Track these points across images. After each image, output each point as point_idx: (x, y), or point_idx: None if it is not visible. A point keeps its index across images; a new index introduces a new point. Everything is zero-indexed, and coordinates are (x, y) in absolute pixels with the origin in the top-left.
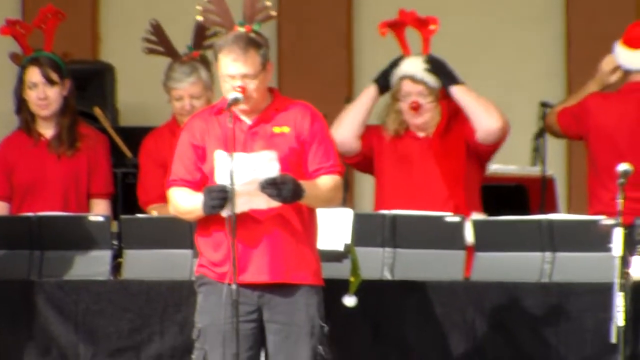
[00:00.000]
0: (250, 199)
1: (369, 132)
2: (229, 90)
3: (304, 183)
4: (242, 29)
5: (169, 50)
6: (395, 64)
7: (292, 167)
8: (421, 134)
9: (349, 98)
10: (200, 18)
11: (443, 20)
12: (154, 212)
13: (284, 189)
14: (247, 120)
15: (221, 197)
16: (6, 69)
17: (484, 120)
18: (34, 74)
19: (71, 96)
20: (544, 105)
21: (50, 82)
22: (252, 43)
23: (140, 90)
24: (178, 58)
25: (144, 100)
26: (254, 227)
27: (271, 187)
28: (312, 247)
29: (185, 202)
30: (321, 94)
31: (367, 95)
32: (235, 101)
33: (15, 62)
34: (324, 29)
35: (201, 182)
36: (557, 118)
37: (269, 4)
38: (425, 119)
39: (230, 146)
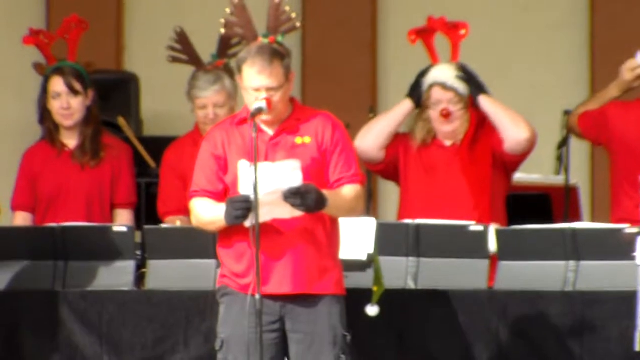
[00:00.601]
0: (273, 209)
1: (396, 140)
2: (253, 102)
3: (326, 192)
4: (265, 40)
5: (193, 59)
6: (423, 75)
7: (314, 177)
8: (448, 143)
9: (373, 107)
10: (223, 30)
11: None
12: (178, 222)
13: (308, 198)
14: (269, 131)
15: (244, 207)
16: (29, 79)
17: (511, 131)
18: (57, 84)
19: (94, 106)
20: (568, 114)
21: (74, 92)
22: (276, 55)
23: (164, 100)
24: (202, 67)
25: (167, 110)
26: (276, 238)
27: (294, 196)
28: (335, 257)
29: (207, 212)
30: (345, 102)
31: (401, 109)
32: (259, 111)
33: (38, 71)
34: (349, 37)
35: (223, 192)
36: (579, 121)
37: (294, 15)
38: (455, 127)
39: (253, 156)
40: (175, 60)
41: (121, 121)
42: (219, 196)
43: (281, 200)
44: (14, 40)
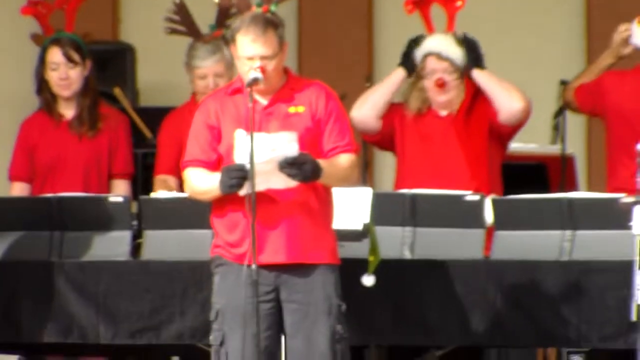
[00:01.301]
0: (267, 179)
1: (391, 111)
2: (247, 71)
3: (321, 162)
4: (259, 10)
5: (192, 30)
6: (415, 43)
7: (308, 146)
8: (444, 113)
9: (369, 77)
10: (215, 0)
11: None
12: (169, 181)
13: (304, 168)
14: (262, 101)
15: (240, 176)
16: (27, 50)
17: (505, 102)
18: (55, 55)
19: (92, 77)
20: (564, 83)
21: (72, 62)
22: (270, 23)
23: (160, 70)
24: (200, 37)
25: (163, 80)
26: (270, 207)
27: (290, 166)
28: (328, 226)
29: (201, 182)
30: (341, 72)
31: (394, 78)
32: (255, 81)
33: (36, 42)
34: (344, 7)
35: (217, 162)
36: (575, 95)
37: None
38: (450, 96)
39: (247, 126)
40: (173, 31)
41: (117, 92)
42: (212, 166)
43: (276, 170)
44: (10, 11)
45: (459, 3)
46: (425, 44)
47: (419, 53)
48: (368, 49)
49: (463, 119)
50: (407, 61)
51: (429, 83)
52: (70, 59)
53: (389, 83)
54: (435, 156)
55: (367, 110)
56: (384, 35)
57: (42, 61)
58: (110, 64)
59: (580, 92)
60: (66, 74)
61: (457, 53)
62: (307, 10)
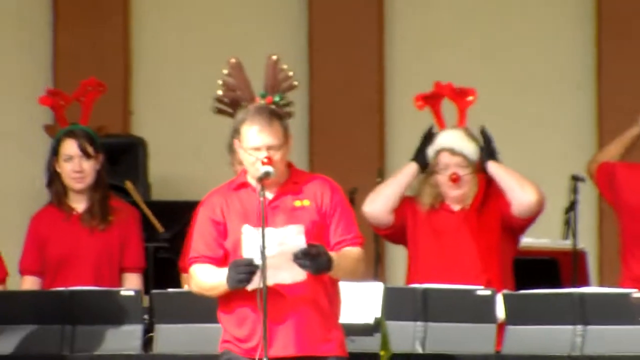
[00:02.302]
0: (275, 273)
1: (404, 204)
2: (253, 162)
3: (332, 254)
4: (262, 101)
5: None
6: (428, 138)
7: (315, 239)
8: (456, 207)
9: (380, 170)
10: (219, 92)
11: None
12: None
13: (318, 260)
14: (268, 194)
15: (248, 271)
16: (37, 140)
17: (518, 194)
18: (70, 147)
19: (103, 170)
20: (575, 178)
21: (87, 155)
22: (275, 114)
23: (172, 164)
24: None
25: (175, 174)
26: (279, 301)
27: (305, 257)
28: (336, 320)
29: (208, 278)
30: (352, 166)
31: (407, 173)
32: (267, 175)
33: (49, 133)
34: (355, 101)
35: (223, 258)
36: (597, 171)
37: (291, 73)
38: (464, 191)
39: (255, 220)
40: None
41: (129, 185)
42: (218, 262)
43: (284, 263)
44: (21, 102)
45: (470, 98)
46: (439, 139)
47: (432, 149)
48: (380, 142)
49: (476, 213)
50: (420, 156)
51: (442, 178)
52: (85, 152)
53: (402, 177)
54: (447, 251)
55: (379, 204)
56: (396, 128)
57: (55, 153)
58: (121, 157)
59: (601, 172)
60: (80, 167)
61: (470, 148)
62: (318, 102)
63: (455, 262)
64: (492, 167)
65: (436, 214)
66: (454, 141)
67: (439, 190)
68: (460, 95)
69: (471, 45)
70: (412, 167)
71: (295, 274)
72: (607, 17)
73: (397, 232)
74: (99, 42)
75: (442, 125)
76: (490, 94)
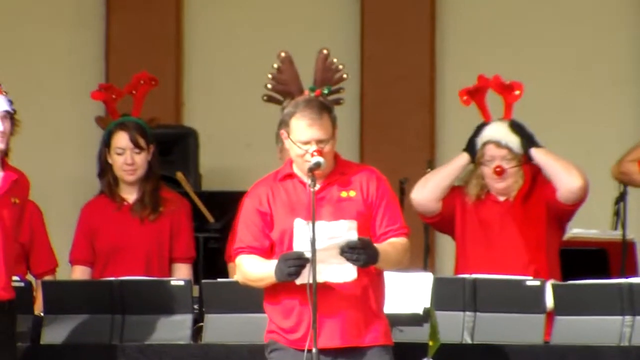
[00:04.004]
0: (324, 270)
1: (453, 193)
2: (302, 155)
3: (377, 246)
4: (312, 94)
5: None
6: (479, 130)
7: (360, 230)
8: (502, 198)
9: (431, 162)
10: (269, 86)
11: (525, 84)
12: None
13: (365, 253)
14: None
15: (298, 264)
16: (89, 132)
17: (565, 179)
18: (122, 139)
19: (155, 161)
20: None
21: (138, 147)
22: (324, 107)
23: (223, 154)
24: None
25: (226, 164)
26: (325, 293)
27: (352, 251)
28: (381, 309)
29: (256, 269)
30: (403, 158)
31: (458, 163)
32: (318, 166)
33: (100, 125)
34: (407, 92)
35: (269, 248)
36: None
37: (341, 66)
38: (508, 183)
39: (303, 211)
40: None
41: (180, 176)
42: (265, 252)
43: (334, 258)
44: (73, 95)
45: (517, 92)
46: (485, 132)
47: (479, 141)
48: (430, 134)
49: (521, 204)
50: (472, 147)
51: (487, 170)
52: (136, 145)
53: (453, 167)
54: (494, 242)
55: (428, 192)
56: (446, 122)
57: (106, 144)
58: (173, 148)
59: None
60: (132, 159)
61: (515, 141)
62: (369, 95)
63: (502, 253)
64: (536, 154)
65: (482, 204)
66: (499, 134)
67: (484, 181)
68: (507, 89)
69: (521, 40)
70: (464, 158)
71: (345, 274)
72: None
73: (444, 221)
74: (151, 35)
75: (487, 118)
76: (541, 87)
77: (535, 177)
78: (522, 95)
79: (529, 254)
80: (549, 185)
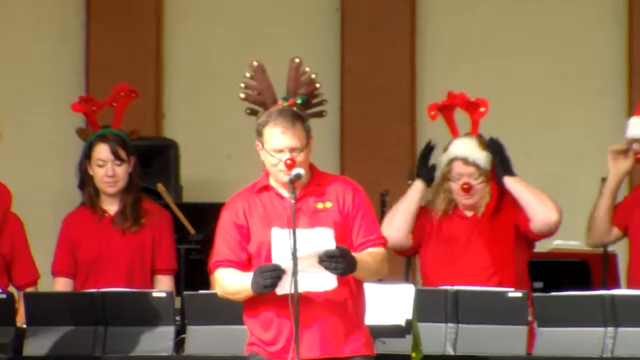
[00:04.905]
0: (304, 280)
1: (419, 219)
2: (275, 164)
3: (355, 256)
4: (285, 104)
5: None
6: (427, 152)
7: (337, 241)
8: (470, 214)
9: (412, 172)
10: (242, 95)
11: (507, 95)
12: None
13: (343, 262)
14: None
15: (274, 276)
16: (69, 144)
17: (540, 213)
18: (103, 151)
19: (135, 173)
20: (605, 180)
21: (119, 159)
22: (297, 117)
23: (203, 166)
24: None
25: (207, 176)
26: (305, 304)
27: (330, 259)
28: (361, 319)
29: (233, 282)
30: (384, 169)
31: (413, 193)
32: (298, 177)
33: (81, 137)
34: (387, 104)
35: (247, 261)
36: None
37: (314, 76)
38: (476, 199)
39: (280, 224)
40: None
41: (160, 187)
42: (243, 265)
43: (312, 267)
44: (54, 107)
45: (482, 109)
46: (452, 148)
47: (445, 157)
48: (411, 146)
49: (488, 219)
50: (423, 171)
51: (455, 186)
52: (117, 157)
53: (410, 198)
54: (456, 256)
55: (397, 230)
56: (427, 132)
57: (87, 156)
58: (153, 160)
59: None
60: (113, 172)
61: (482, 157)
62: (349, 107)
63: (465, 268)
64: (509, 183)
65: (449, 220)
66: (467, 150)
67: (452, 196)
68: (472, 106)
69: (502, 52)
70: (418, 186)
71: (325, 282)
72: (638, 20)
73: (417, 249)
74: (131, 47)
75: (455, 133)
76: (523, 97)
77: (502, 192)
78: (488, 112)
79: (494, 267)
80: (520, 210)
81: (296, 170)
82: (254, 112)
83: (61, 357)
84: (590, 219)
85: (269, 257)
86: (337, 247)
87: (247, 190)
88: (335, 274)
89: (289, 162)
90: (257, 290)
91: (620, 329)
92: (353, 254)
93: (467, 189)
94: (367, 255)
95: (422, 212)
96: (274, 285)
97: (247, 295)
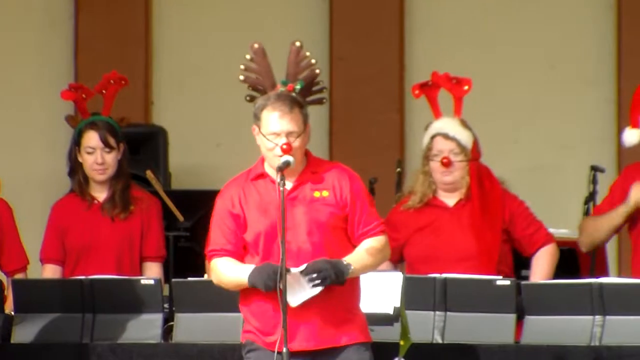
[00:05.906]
0: (294, 295)
1: (392, 232)
2: (271, 148)
3: (349, 258)
4: (283, 88)
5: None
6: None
7: (334, 230)
8: (450, 202)
9: (400, 161)
10: (241, 77)
11: (494, 83)
12: None
13: (324, 273)
14: (287, 184)
15: (279, 280)
16: (59, 131)
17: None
18: (92, 139)
19: (125, 160)
20: (594, 169)
21: (109, 147)
22: (296, 102)
23: (192, 153)
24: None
25: (195, 163)
26: None
27: (312, 277)
28: (357, 308)
29: (229, 272)
30: (373, 157)
31: None
32: (287, 164)
33: (70, 124)
34: (376, 92)
35: (243, 250)
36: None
37: (314, 61)
38: (455, 177)
39: (276, 212)
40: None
41: (149, 175)
42: (239, 254)
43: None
44: (43, 94)
45: (465, 87)
46: (434, 125)
47: (426, 136)
48: (400, 134)
49: (472, 211)
50: None
51: (435, 164)
52: (107, 144)
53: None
54: (439, 243)
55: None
56: (415, 120)
57: (76, 143)
58: (142, 147)
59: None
60: (102, 159)
61: (464, 135)
62: (338, 94)
63: (449, 257)
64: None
65: (427, 209)
66: (448, 127)
67: (432, 178)
68: (455, 85)
69: (491, 39)
70: None
71: (313, 290)
72: (627, 9)
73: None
74: (120, 34)
75: (437, 115)
76: (512, 84)
77: (481, 180)
78: (470, 91)
79: (477, 259)
80: (520, 220)
81: (285, 157)
82: (253, 99)
83: (49, 344)
84: (594, 230)
85: (265, 246)
86: (305, 265)
87: (242, 177)
88: (323, 285)
89: (285, 146)
90: (258, 283)
91: (608, 317)
92: (347, 257)
93: (447, 163)
94: (364, 251)
95: (399, 219)
96: (275, 287)
97: (243, 285)
